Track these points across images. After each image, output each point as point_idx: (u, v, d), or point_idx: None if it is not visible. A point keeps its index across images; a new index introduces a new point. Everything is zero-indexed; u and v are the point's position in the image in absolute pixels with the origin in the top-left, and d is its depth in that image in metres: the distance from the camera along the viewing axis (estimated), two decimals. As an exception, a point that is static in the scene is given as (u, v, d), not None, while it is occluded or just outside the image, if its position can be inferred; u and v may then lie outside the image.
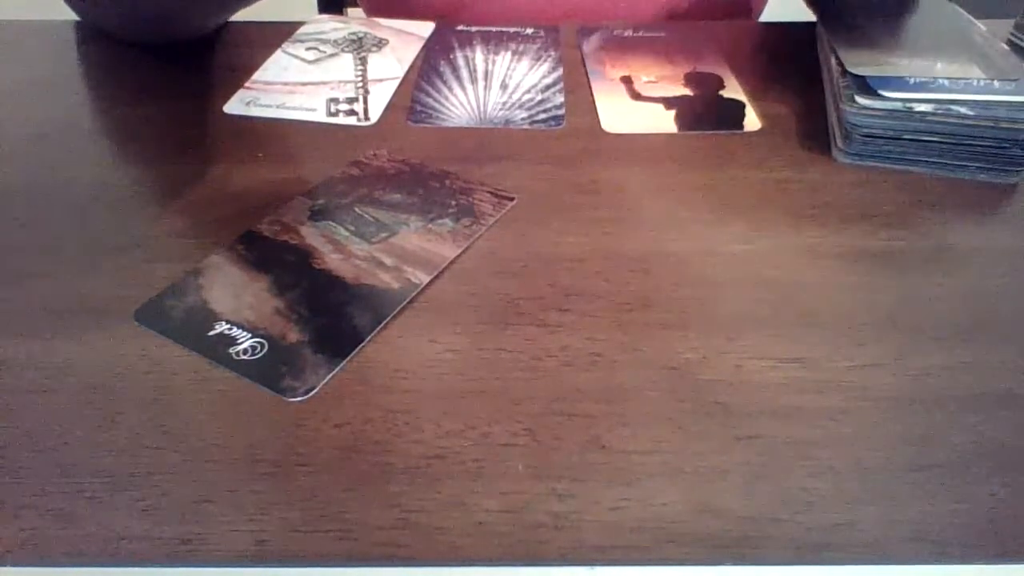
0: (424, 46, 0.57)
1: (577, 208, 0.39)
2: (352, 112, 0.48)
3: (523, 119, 0.47)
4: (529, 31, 0.59)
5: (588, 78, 0.52)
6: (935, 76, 0.42)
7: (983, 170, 0.42)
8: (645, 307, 0.33)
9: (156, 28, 0.55)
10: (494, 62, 0.54)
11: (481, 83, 0.51)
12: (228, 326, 0.32)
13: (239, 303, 0.33)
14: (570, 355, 0.31)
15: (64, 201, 0.40)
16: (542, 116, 0.47)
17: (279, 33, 0.58)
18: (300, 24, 0.60)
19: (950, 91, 0.42)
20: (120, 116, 0.48)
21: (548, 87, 0.51)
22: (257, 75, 0.52)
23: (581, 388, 0.30)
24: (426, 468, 0.27)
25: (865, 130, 0.42)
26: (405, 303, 0.33)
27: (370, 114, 0.48)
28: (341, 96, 0.49)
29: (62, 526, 0.25)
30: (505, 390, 0.29)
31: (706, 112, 0.48)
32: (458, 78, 0.52)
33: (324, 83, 0.51)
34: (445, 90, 0.50)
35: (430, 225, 0.38)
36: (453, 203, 0.39)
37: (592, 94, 0.50)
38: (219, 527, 0.25)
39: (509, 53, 0.55)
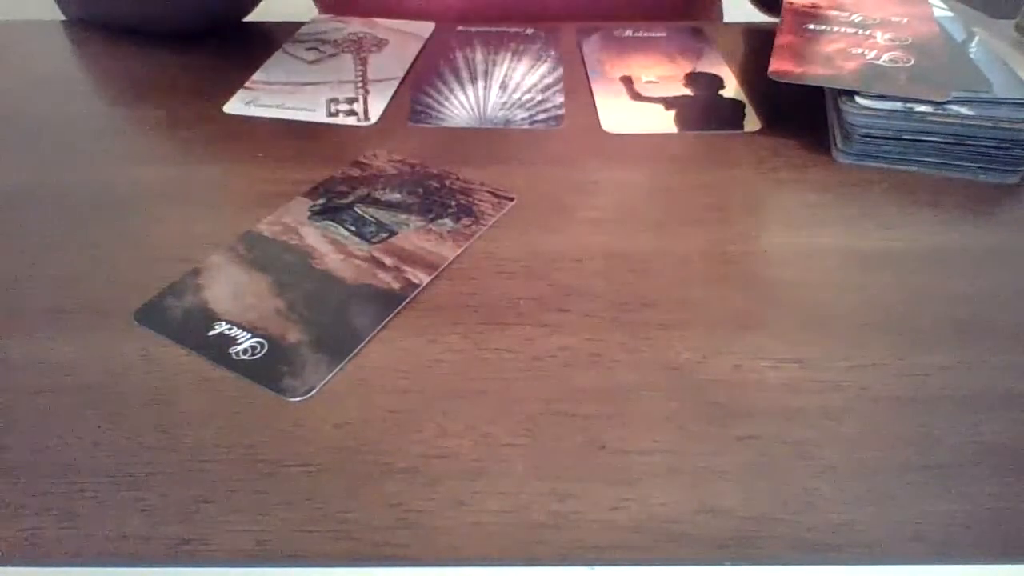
0: (424, 46, 0.57)
1: (577, 208, 0.39)
2: (352, 112, 0.48)
3: (523, 119, 0.47)
4: (529, 31, 0.59)
5: (588, 78, 0.52)
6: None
7: (983, 170, 0.42)
8: (645, 307, 0.33)
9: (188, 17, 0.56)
10: (494, 62, 0.54)
11: (481, 83, 0.51)
12: (228, 326, 0.32)
13: (239, 303, 0.33)
14: (570, 355, 0.31)
15: (63, 201, 0.40)
16: (542, 116, 0.47)
17: (279, 33, 0.58)
18: (300, 24, 0.60)
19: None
20: (120, 116, 0.48)
21: (548, 87, 0.51)
22: (257, 75, 0.52)
23: (581, 388, 0.30)
24: (426, 468, 0.27)
25: (865, 130, 0.42)
26: (405, 303, 0.33)
27: (370, 114, 0.48)
28: (341, 96, 0.49)
29: (62, 526, 0.25)
30: (505, 390, 0.29)
31: (706, 112, 0.48)
32: (458, 78, 0.52)
33: (324, 83, 0.51)
34: (445, 90, 0.50)
35: (430, 225, 0.38)
36: (453, 203, 0.39)
37: (592, 94, 0.50)
38: (219, 527, 0.25)
39: (509, 53, 0.55)
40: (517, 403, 0.29)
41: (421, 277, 0.35)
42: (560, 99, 0.49)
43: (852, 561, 0.24)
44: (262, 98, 0.49)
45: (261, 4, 0.61)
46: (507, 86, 0.51)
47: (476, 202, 0.40)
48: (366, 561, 0.24)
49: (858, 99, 0.42)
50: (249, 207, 0.39)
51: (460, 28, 0.59)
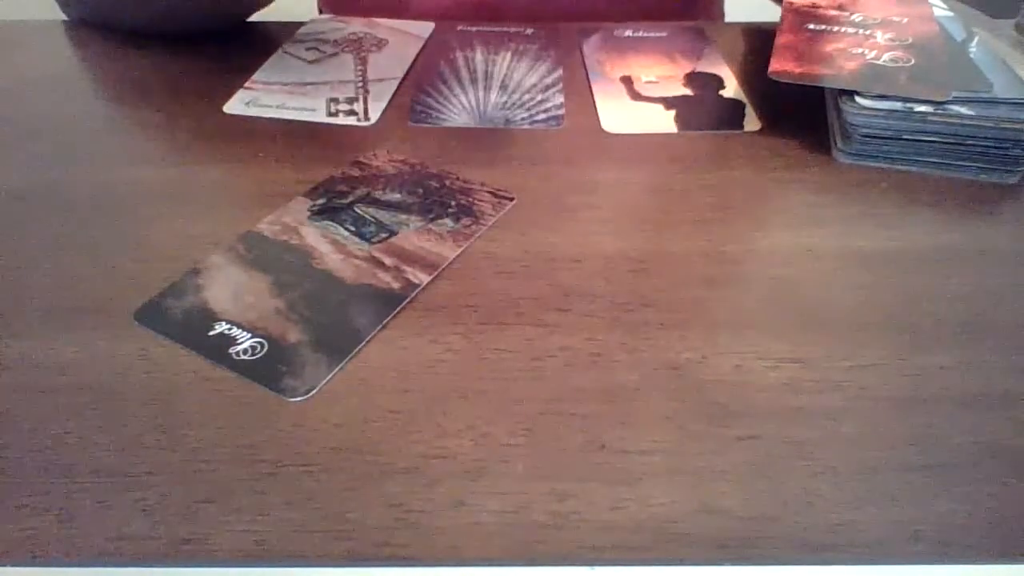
0: (424, 46, 0.57)
1: (577, 208, 0.39)
2: (352, 112, 0.48)
3: (523, 119, 0.47)
4: (529, 31, 0.59)
5: (588, 78, 0.52)
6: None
7: (983, 170, 0.42)
8: (645, 307, 0.33)
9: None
10: (494, 62, 0.54)
11: (481, 83, 0.51)
12: (228, 326, 0.32)
13: (239, 303, 0.33)
14: (570, 355, 0.31)
15: (63, 201, 0.40)
16: (542, 116, 0.47)
17: (279, 33, 0.58)
18: (300, 24, 0.60)
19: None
20: (120, 116, 0.48)
21: (548, 87, 0.51)
22: (257, 75, 0.52)
23: (581, 388, 0.30)
24: (426, 468, 0.27)
25: (865, 130, 0.42)
26: (405, 303, 0.33)
27: (370, 114, 0.48)
28: (341, 96, 0.49)
29: (62, 526, 0.25)
30: (505, 390, 0.29)
31: (706, 112, 0.48)
32: (458, 78, 0.52)
33: (324, 83, 0.51)
34: (445, 90, 0.50)
35: (430, 225, 0.38)
36: (453, 203, 0.39)
37: (592, 94, 0.50)
38: (219, 527, 0.25)
39: (509, 53, 0.55)
40: (517, 403, 0.29)
41: (421, 277, 0.35)
42: (560, 99, 0.49)
43: (852, 561, 0.24)
44: (262, 98, 0.49)
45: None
46: (507, 86, 0.51)
47: (476, 202, 0.40)
48: (366, 561, 0.24)
49: (858, 99, 0.42)
50: (249, 207, 0.39)
51: (460, 28, 0.59)
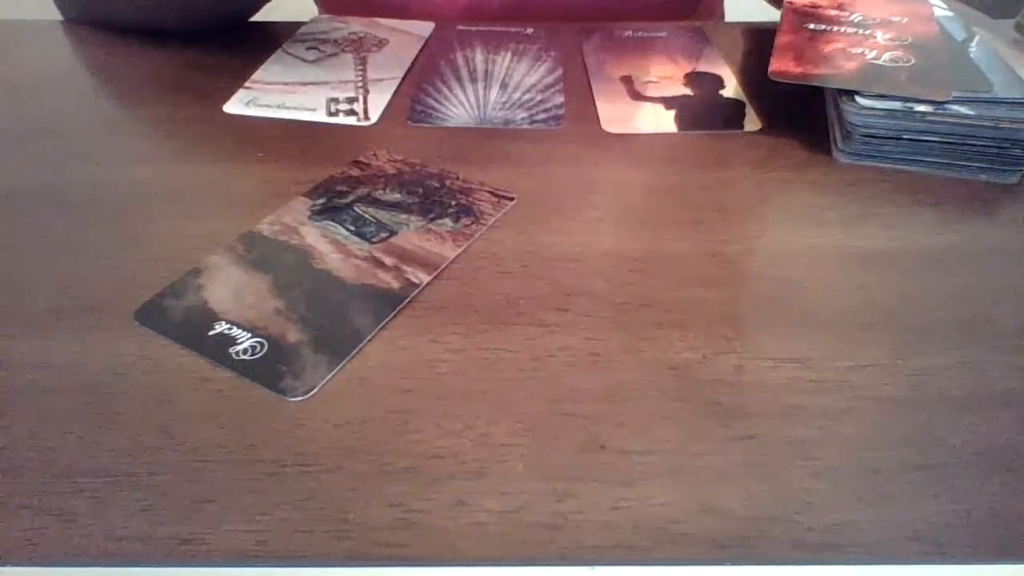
0: (424, 46, 0.57)
1: (577, 208, 0.39)
2: (352, 112, 0.48)
3: (523, 119, 0.47)
4: (529, 31, 0.59)
5: (588, 78, 0.52)
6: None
7: (983, 170, 0.42)
8: (645, 307, 0.33)
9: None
10: (494, 62, 0.54)
11: (481, 83, 0.51)
12: (228, 326, 0.32)
13: (239, 303, 0.33)
14: (570, 355, 0.31)
15: (64, 201, 0.40)
16: (542, 116, 0.47)
17: (279, 33, 0.58)
18: (300, 24, 0.60)
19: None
20: (120, 116, 0.48)
21: (548, 87, 0.51)
22: (257, 75, 0.52)
23: (581, 388, 0.30)
24: (426, 468, 0.27)
25: (865, 130, 0.42)
26: (405, 303, 0.33)
27: (370, 114, 0.48)
28: (341, 96, 0.49)
29: (62, 526, 0.25)
30: (505, 390, 0.29)
31: (706, 112, 0.48)
32: (458, 78, 0.52)
33: (324, 83, 0.51)
34: (445, 90, 0.50)
35: (430, 225, 0.38)
36: (453, 203, 0.39)
37: (592, 94, 0.50)
38: (219, 527, 0.25)
39: (509, 53, 0.55)
40: (517, 403, 0.29)
41: (421, 277, 0.35)
42: (560, 99, 0.49)
43: (852, 561, 0.24)
44: (262, 98, 0.49)
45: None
46: (507, 86, 0.51)
47: (476, 202, 0.40)
48: (366, 561, 0.24)
49: (858, 99, 0.42)
50: (249, 207, 0.39)
51: (460, 28, 0.59)
